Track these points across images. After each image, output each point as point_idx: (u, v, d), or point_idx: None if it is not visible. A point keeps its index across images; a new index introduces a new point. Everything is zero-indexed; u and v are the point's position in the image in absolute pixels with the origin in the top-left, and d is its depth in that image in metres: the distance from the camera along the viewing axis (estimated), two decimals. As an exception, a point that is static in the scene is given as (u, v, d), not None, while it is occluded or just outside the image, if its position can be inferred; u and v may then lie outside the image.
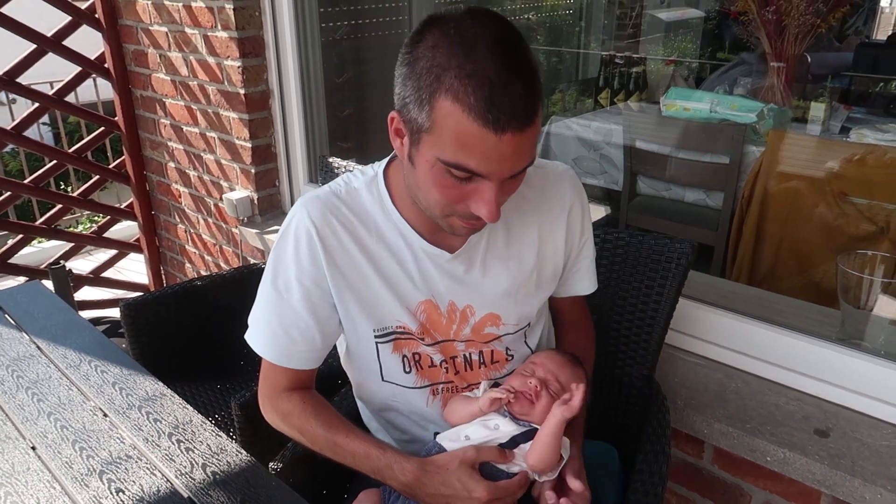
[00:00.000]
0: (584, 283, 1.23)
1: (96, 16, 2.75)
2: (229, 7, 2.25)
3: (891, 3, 5.82)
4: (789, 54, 2.71)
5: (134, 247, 3.21)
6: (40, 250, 3.71)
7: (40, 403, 1.20)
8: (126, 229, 3.41)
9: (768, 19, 2.65)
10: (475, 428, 1.04)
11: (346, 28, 2.93)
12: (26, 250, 3.26)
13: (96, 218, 4.63)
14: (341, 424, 1.07)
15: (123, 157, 3.04)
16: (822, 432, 1.37)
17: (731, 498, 1.49)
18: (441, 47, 0.83)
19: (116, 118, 2.93)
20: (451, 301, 1.07)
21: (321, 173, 2.02)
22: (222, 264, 2.81)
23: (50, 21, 2.70)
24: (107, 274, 3.24)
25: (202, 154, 2.66)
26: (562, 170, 1.14)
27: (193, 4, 2.38)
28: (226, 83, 2.40)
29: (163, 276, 3.25)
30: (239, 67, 2.32)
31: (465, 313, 1.09)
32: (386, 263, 1.05)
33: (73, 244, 3.20)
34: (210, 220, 2.78)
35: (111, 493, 1.00)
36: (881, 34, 5.47)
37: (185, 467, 1.05)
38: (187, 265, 3.04)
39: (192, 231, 2.92)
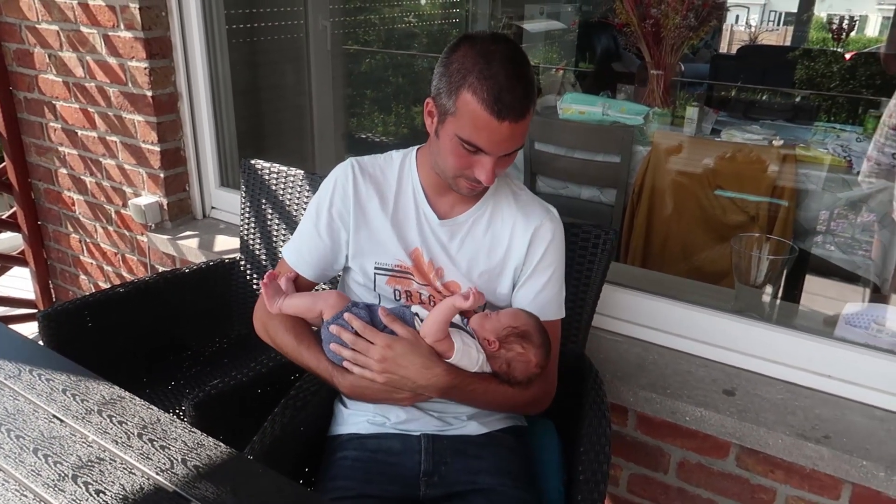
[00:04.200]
0: (527, 306, 1.29)
1: (-30, 12, 2.55)
2: (134, 6, 2.18)
3: (737, 21, 6.56)
4: (666, 63, 3.00)
5: (18, 260, 2.99)
6: None
7: (-15, 416, 1.14)
8: (6, 241, 3.16)
9: (648, 31, 2.92)
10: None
11: (248, 31, 2.91)
12: None
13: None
14: (306, 338, 1.31)
15: (3, 164, 2.84)
16: (728, 392, 1.56)
17: (652, 459, 1.66)
18: (469, 56, 1.13)
19: (-4, 122, 2.73)
20: (432, 258, 1.31)
21: (244, 175, 2.01)
22: (125, 274, 2.69)
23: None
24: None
25: (101, 159, 2.54)
26: (549, 206, 1.37)
27: (91, 3, 2.27)
28: (130, 85, 2.31)
29: (52, 291, 3.04)
30: (146, 69, 2.25)
31: (439, 272, 1.31)
32: (399, 213, 1.32)
33: (-54, 259, 2.94)
34: (110, 228, 2.65)
35: (91, 495, 0.98)
36: (725, 48, 6.25)
37: (164, 464, 1.05)
38: (82, 277, 2.88)
39: (88, 240, 2.77)
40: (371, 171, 1.34)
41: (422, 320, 1.22)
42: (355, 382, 1.23)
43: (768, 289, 1.77)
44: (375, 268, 1.32)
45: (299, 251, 1.37)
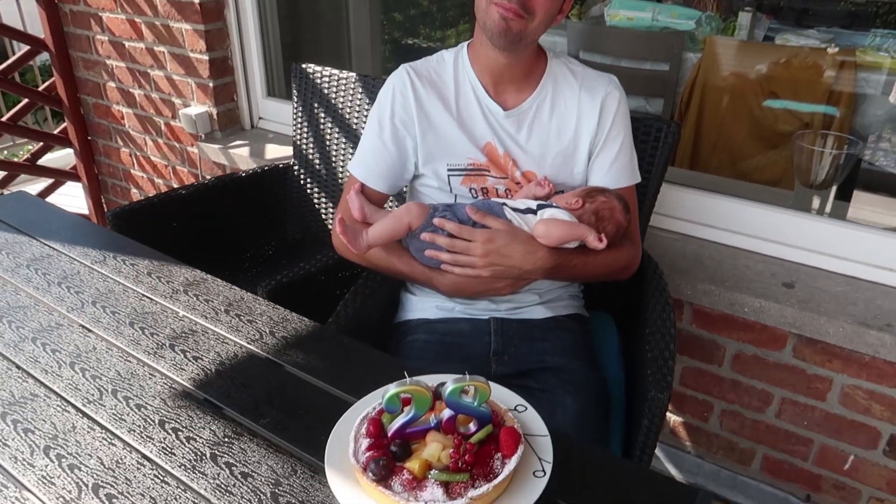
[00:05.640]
0: (604, 175, 1.32)
1: (12, -79, 2.53)
2: None
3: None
4: (719, -35, 2.88)
5: (71, 175, 3.05)
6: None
7: (80, 294, 1.21)
8: (59, 158, 3.22)
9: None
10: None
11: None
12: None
13: (30, 147, 4.31)
14: (395, 249, 1.31)
15: (52, 79, 2.86)
16: (788, 285, 1.57)
17: (706, 352, 1.69)
18: None
19: (43, 36, 2.74)
20: (506, 150, 1.31)
21: (296, 80, 2.01)
22: (176, 186, 2.74)
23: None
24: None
25: (149, 70, 2.55)
26: (609, 75, 1.36)
27: None
28: (176, -9, 2.30)
29: (104, 205, 3.12)
30: (192, -26, 2.23)
31: (514, 162, 1.31)
32: (462, 111, 1.32)
33: (4, 174, 3.00)
34: (160, 141, 2.69)
35: (189, 361, 1.04)
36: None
37: (253, 335, 1.10)
38: (133, 190, 2.94)
39: (138, 154, 2.82)
40: (426, 74, 1.33)
41: (512, 209, 1.23)
42: (456, 281, 1.24)
43: (828, 189, 1.75)
44: (448, 169, 1.32)
45: (366, 165, 1.36)
